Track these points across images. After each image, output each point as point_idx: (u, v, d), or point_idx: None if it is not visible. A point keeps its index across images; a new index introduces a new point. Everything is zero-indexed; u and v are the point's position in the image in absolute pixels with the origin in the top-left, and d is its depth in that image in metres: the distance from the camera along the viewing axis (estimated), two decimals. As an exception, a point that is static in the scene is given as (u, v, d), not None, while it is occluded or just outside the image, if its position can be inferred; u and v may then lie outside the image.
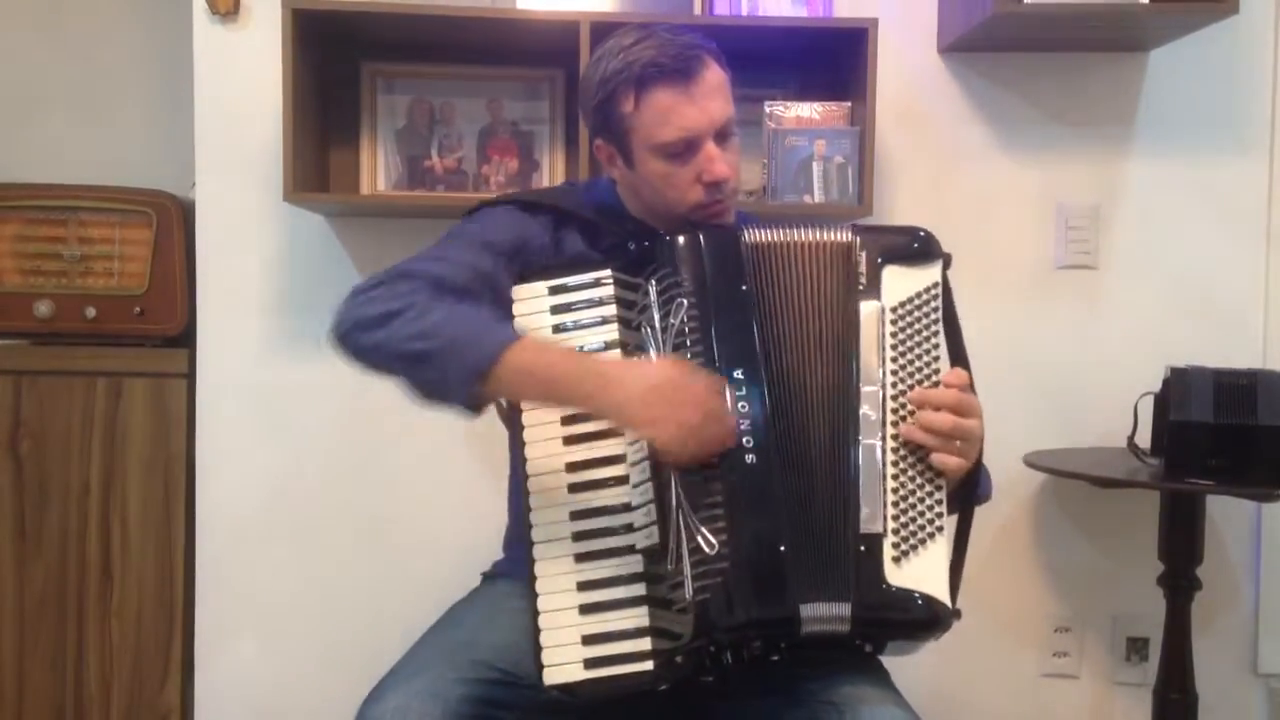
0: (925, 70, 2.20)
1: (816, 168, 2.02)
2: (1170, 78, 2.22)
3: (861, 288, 1.33)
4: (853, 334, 1.31)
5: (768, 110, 2.04)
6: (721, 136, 1.42)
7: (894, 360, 1.31)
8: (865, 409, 1.29)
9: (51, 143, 2.40)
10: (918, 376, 1.31)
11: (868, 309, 1.32)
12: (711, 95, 1.41)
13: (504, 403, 1.59)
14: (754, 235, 1.34)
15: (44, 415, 2.11)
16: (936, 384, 1.31)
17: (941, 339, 1.33)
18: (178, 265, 2.12)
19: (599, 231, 1.48)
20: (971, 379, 1.35)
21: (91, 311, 2.11)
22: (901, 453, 1.29)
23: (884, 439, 1.28)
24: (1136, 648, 2.24)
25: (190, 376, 2.14)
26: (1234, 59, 2.22)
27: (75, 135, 2.41)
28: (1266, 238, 2.24)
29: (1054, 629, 2.25)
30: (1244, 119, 2.23)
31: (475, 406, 1.28)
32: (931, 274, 1.34)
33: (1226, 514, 2.22)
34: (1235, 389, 1.87)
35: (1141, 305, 2.23)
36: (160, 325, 2.13)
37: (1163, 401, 1.94)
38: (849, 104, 2.06)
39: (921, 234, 1.36)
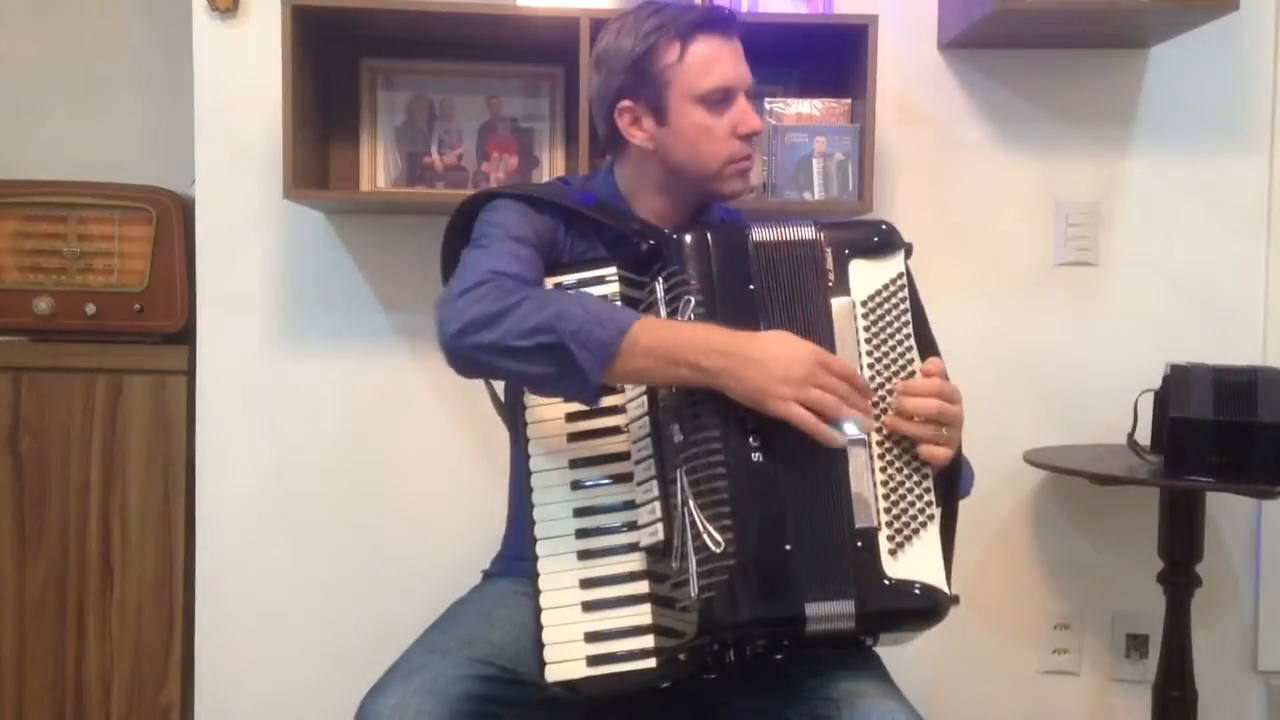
0: (925, 67, 2.20)
1: (816, 165, 2.02)
2: (1170, 75, 2.22)
3: (830, 284, 1.33)
4: (827, 330, 1.31)
5: (768, 107, 2.04)
6: (749, 96, 1.49)
7: (869, 354, 1.31)
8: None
9: (51, 139, 2.40)
10: (893, 368, 1.31)
11: (839, 304, 1.32)
12: (742, 56, 1.48)
13: (503, 399, 1.59)
14: (760, 234, 1.34)
15: (44, 412, 2.11)
16: (913, 374, 1.31)
17: (912, 329, 1.33)
18: (177, 262, 2.12)
19: (602, 229, 1.48)
20: (941, 364, 1.35)
21: (91, 308, 2.11)
22: (887, 445, 1.29)
23: (868, 431, 1.28)
24: (1136, 645, 2.24)
25: (190, 373, 2.14)
26: (1234, 56, 2.22)
27: (75, 132, 2.40)
28: (1267, 235, 2.24)
29: (1054, 626, 2.25)
30: (1244, 116, 2.23)
31: (600, 392, 1.27)
32: (896, 265, 1.35)
33: (1226, 511, 2.22)
34: (1235, 386, 1.87)
35: (1141, 302, 2.23)
36: (160, 322, 2.13)
37: (1163, 398, 1.95)
38: (849, 101, 2.05)
39: (883, 226, 1.37)
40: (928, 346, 1.35)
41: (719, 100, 1.45)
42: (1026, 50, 2.19)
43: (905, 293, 1.34)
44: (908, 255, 1.36)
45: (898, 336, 1.32)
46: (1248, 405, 1.86)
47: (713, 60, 1.45)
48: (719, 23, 1.46)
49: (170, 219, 2.12)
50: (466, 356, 1.27)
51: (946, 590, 1.26)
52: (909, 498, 1.28)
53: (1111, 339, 2.22)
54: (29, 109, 2.42)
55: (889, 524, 1.26)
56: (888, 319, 1.33)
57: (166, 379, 2.13)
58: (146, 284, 2.12)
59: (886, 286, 1.34)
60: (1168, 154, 2.22)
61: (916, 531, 1.27)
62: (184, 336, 2.15)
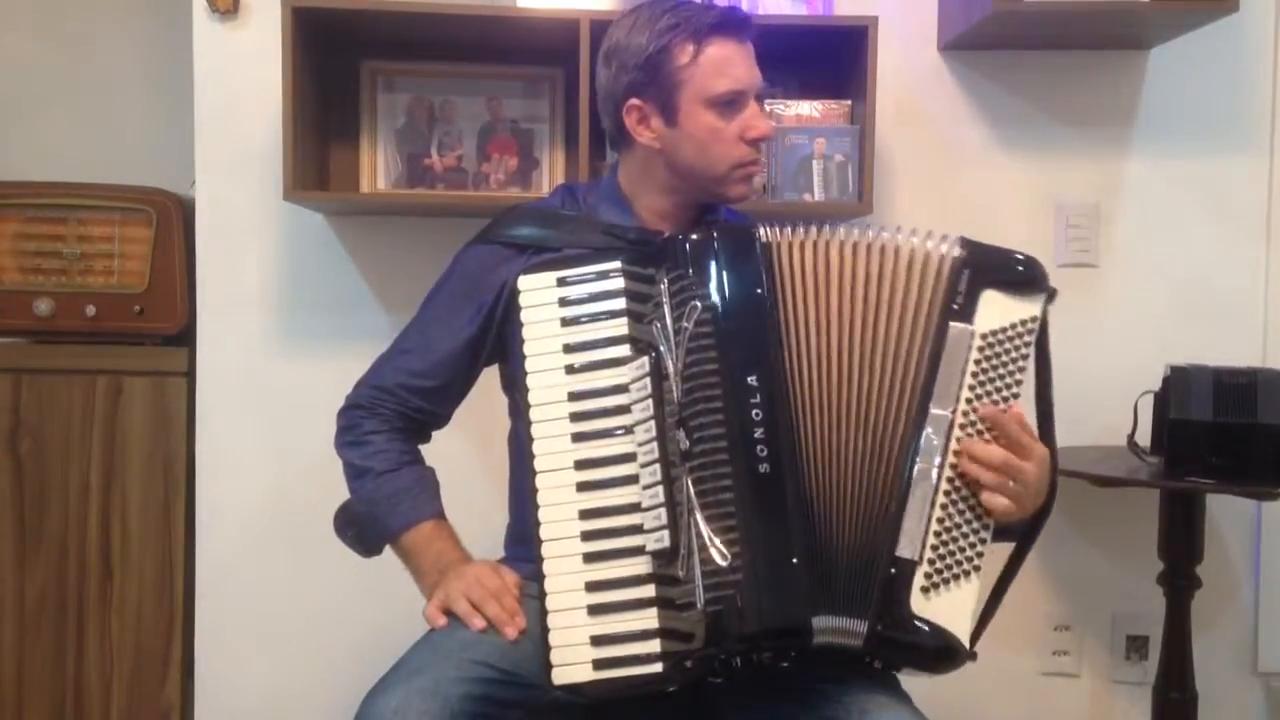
0: (925, 68, 2.20)
1: (816, 166, 2.02)
2: (1170, 76, 2.22)
3: (956, 307, 1.28)
4: (934, 353, 1.27)
5: (767, 108, 2.04)
6: (758, 100, 1.47)
7: (971, 389, 1.26)
8: (929, 431, 1.26)
9: (51, 141, 2.40)
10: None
11: (957, 330, 1.27)
12: (754, 59, 1.47)
13: (517, 398, 1.58)
14: (768, 235, 1.32)
15: (44, 414, 2.11)
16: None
17: (1030, 376, 1.29)
18: (177, 263, 2.12)
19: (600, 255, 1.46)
20: (1052, 425, 1.33)
21: (91, 310, 2.11)
22: (956, 483, 1.26)
23: (942, 466, 1.25)
24: (1136, 646, 2.24)
25: (190, 375, 2.14)
26: (1234, 57, 2.22)
27: (75, 133, 2.41)
28: (1266, 236, 2.24)
29: (1054, 627, 2.25)
30: (1244, 117, 2.23)
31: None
32: (1032, 307, 1.30)
33: (1226, 512, 2.22)
34: (1235, 387, 1.87)
35: (1141, 303, 2.23)
36: (160, 324, 2.13)
37: (1163, 400, 1.94)
38: (849, 102, 2.06)
39: (1029, 260, 1.32)
40: (1042, 400, 1.33)
41: (730, 104, 1.43)
42: (1026, 51, 2.19)
43: (1032, 338, 1.29)
44: (1049, 300, 1.31)
45: (1007, 380, 1.27)
46: (1248, 407, 1.86)
47: (726, 64, 1.43)
48: (734, 25, 1.44)
49: (170, 220, 2.12)
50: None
51: (966, 644, 1.25)
52: (961, 542, 1.25)
53: (1111, 340, 2.22)
54: (29, 110, 2.42)
55: (931, 561, 1.24)
56: (1004, 359, 1.27)
57: (166, 380, 2.13)
58: (146, 285, 2.12)
59: (1015, 325, 1.29)
60: (1168, 155, 2.22)
61: (957, 577, 1.25)
62: (184, 338, 2.15)
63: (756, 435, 1.25)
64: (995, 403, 1.27)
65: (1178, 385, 1.90)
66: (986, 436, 1.26)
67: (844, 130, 2.02)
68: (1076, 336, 2.22)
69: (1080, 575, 2.25)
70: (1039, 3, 1.94)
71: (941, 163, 2.21)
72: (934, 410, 1.26)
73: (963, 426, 1.26)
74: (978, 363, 1.27)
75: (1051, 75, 2.20)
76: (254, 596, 2.15)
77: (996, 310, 1.29)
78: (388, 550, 1.53)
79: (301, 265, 2.15)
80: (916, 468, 1.25)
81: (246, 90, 2.11)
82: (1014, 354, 1.28)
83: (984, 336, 1.28)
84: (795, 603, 1.22)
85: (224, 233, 2.14)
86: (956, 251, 1.31)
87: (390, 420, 1.53)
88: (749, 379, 1.27)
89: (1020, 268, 1.31)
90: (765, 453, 1.25)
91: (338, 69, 2.10)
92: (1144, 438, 2.00)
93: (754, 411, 1.26)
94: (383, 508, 1.49)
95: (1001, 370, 1.28)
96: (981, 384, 1.27)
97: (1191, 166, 2.23)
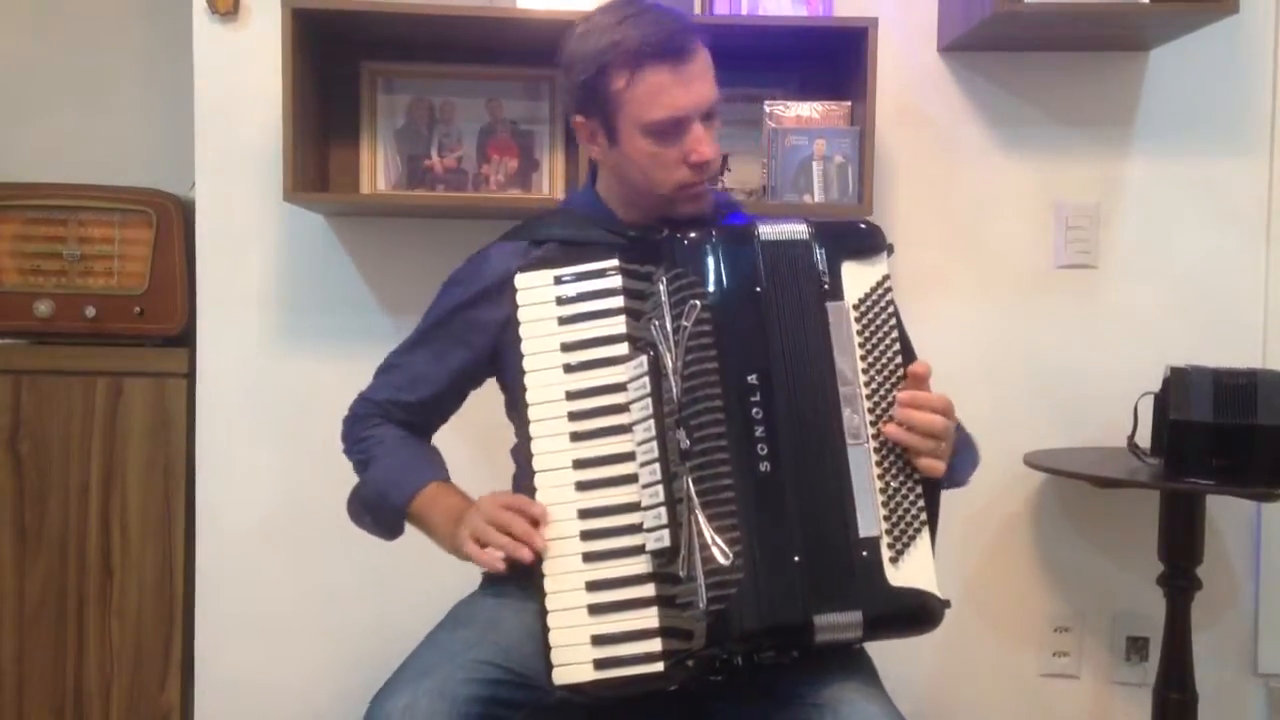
0: (925, 70, 2.20)
1: (816, 167, 2.02)
2: (1170, 77, 2.22)
3: (827, 286, 1.31)
4: (826, 335, 1.30)
5: (767, 110, 2.04)
6: (707, 117, 1.42)
7: (864, 358, 1.30)
8: (847, 411, 1.29)
9: (51, 142, 2.40)
10: (884, 372, 1.31)
11: (834, 308, 1.31)
12: (700, 77, 1.40)
13: (516, 404, 1.58)
14: (766, 233, 1.32)
15: (44, 415, 2.11)
16: (901, 377, 1.30)
17: (897, 332, 1.33)
18: (178, 265, 2.12)
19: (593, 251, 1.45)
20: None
21: (91, 311, 2.11)
22: (884, 452, 1.29)
23: (868, 439, 1.28)
24: (1136, 647, 2.24)
25: (190, 376, 2.14)
26: (1234, 58, 2.22)
27: (75, 135, 2.41)
28: (1266, 237, 2.24)
29: (1054, 629, 2.25)
30: (1244, 118, 2.23)
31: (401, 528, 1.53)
32: (881, 267, 1.34)
33: (1226, 514, 2.22)
34: (1235, 388, 1.87)
35: (1141, 305, 2.23)
36: (160, 325, 2.13)
37: (1163, 401, 1.94)
38: (849, 103, 2.06)
39: (867, 226, 1.36)
40: (907, 349, 1.35)
41: (667, 130, 1.39)
42: (1026, 53, 2.19)
43: (891, 295, 1.33)
44: (890, 254, 1.35)
45: (887, 340, 1.31)
46: (1247, 408, 1.86)
47: (659, 93, 1.37)
48: (671, 52, 1.37)
49: (170, 221, 2.12)
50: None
51: (939, 595, 1.27)
52: (905, 504, 1.28)
53: (1111, 341, 2.22)
54: (29, 111, 2.42)
55: (889, 531, 1.26)
56: (878, 322, 1.32)
57: (166, 381, 2.13)
58: (146, 286, 2.12)
59: (875, 288, 1.32)
60: (1168, 156, 2.22)
61: (913, 538, 1.27)
62: (184, 339, 2.15)
63: (757, 434, 1.26)
64: (885, 363, 1.31)
65: (1178, 386, 1.90)
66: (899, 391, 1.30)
67: (844, 131, 2.02)
68: (1076, 337, 2.23)
69: (1080, 576, 2.25)
70: (1039, 4, 1.94)
71: (941, 164, 2.21)
72: (843, 389, 1.29)
73: (869, 397, 1.29)
74: (860, 332, 1.31)
75: (1051, 76, 2.20)
76: (254, 597, 2.15)
77: (857, 279, 1.33)
78: (389, 547, 1.54)
79: (301, 266, 2.15)
80: (850, 447, 1.28)
81: (246, 91, 2.11)
82: (883, 314, 1.33)
83: (856, 307, 1.32)
84: (797, 601, 1.23)
85: (224, 234, 2.14)
86: (806, 233, 1.33)
87: (385, 420, 1.57)
88: (749, 378, 1.27)
89: (865, 237, 1.35)
90: (765, 451, 1.25)
91: (338, 70, 2.10)
92: (1144, 439, 2.00)
93: (754, 410, 1.26)
94: (386, 485, 1.50)
95: (880, 333, 1.32)
96: (870, 350, 1.31)
97: (1191, 167, 2.22)
